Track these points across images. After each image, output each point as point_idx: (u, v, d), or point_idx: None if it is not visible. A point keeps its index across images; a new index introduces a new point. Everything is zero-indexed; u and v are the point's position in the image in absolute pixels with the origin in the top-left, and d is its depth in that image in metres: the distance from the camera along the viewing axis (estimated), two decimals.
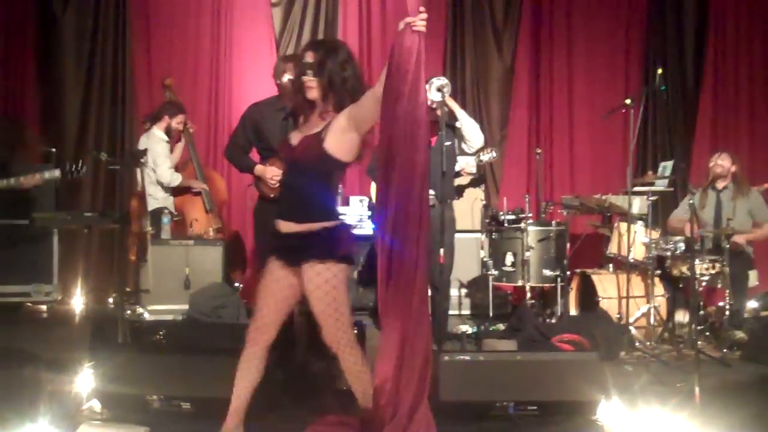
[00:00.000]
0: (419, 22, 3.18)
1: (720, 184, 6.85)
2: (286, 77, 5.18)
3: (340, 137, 3.39)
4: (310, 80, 3.42)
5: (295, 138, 3.54)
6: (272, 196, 5.16)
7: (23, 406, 3.96)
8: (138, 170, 6.06)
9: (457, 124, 5.99)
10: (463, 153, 6.22)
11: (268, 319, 3.52)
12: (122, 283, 6.04)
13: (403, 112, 3.21)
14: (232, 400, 3.54)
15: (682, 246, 6.34)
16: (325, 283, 3.40)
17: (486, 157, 6.57)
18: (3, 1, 8.49)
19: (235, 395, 3.54)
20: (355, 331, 4.82)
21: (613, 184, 7.80)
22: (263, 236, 5.09)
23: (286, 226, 3.49)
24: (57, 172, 6.17)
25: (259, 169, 5.25)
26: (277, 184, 5.06)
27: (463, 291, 7.83)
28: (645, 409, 4.21)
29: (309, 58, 3.44)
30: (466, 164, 6.52)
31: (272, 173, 5.11)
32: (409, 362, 3.40)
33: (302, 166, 3.46)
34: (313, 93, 3.44)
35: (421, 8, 3.20)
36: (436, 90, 5.36)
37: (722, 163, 6.85)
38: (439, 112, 5.38)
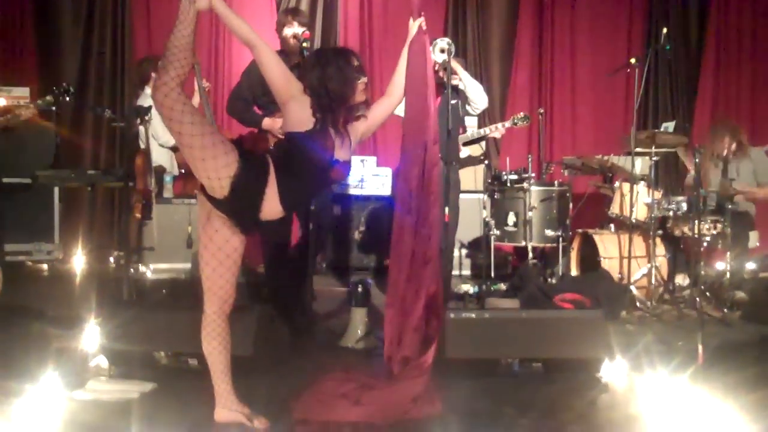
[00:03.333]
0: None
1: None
2: (289, 30, 5.15)
3: None
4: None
5: (340, 152, 3.39)
6: None
7: (31, 363, 3.98)
8: (141, 127, 6.01)
9: (460, 85, 5.95)
10: (467, 114, 6.21)
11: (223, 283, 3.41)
12: (126, 241, 6.04)
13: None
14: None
15: (684, 206, 6.34)
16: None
17: (521, 122, 6.79)
18: None
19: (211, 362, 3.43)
20: (360, 290, 4.91)
21: (614, 143, 7.78)
22: None
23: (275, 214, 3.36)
24: (49, 97, 6.11)
25: (267, 122, 5.19)
26: None
27: (464, 251, 7.85)
28: (648, 368, 4.24)
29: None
30: (496, 129, 6.58)
31: (280, 125, 5.06)
32: (413, 318, 3.45)
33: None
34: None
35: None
36: (439, 51, 5.30)
37: (722, 144, 6.75)
38: (442, 74, 5.34)
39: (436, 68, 5.51)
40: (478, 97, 5.99)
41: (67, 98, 6.11)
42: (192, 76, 7.30)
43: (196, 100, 7.32)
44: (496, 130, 6.94)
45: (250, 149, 3.53)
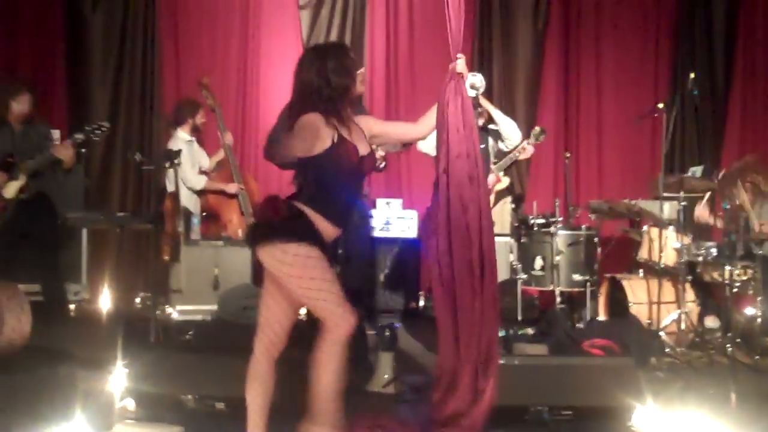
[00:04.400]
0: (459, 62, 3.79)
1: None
2: None
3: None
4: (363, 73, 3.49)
5: (361, 146, 3.49)
6: None
7: (58, 405, 3.97)
8: (171, 171, 6.07)
9: (491, 126, 5.97)
10: (501, 152, 6.23)
11: (274, 322, 3.50)
12: (154, 283, 6.06)
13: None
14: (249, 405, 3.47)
15: (714, 252, 6.28)
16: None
17: (541, 136, 7.06)
18: (31, 0, 8.56)
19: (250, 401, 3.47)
20: (388, 334, 4.89)
21: (641, 187, 7.74)
22: None
23: (335, 233, 3.46)
24: (80, 135, 6.10)
25: None
26: None
27: None
28: (680, 415, 4.17)
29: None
30: (523, 148, 6.60)
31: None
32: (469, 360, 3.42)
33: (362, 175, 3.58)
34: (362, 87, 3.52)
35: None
36: (469, 87, 5.32)
37: (736, 191, 6.53)
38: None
39: None
40: (511, 132, 6.02)
41: (99, 133, 6.15)
42: (214, 126, 7.44)
43: (221, 154, 7.43)
44: (524, 151, 6.98)
45: None
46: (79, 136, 6.10)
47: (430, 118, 3.81)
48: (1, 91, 6.06)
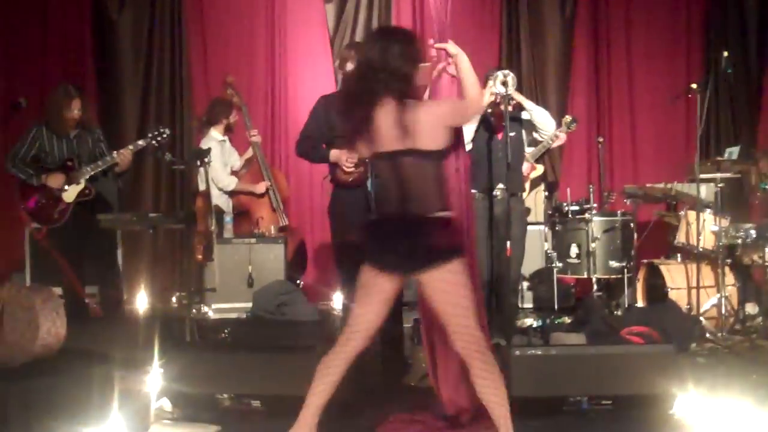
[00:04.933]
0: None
1: None
2: (350, 66, 5.15)
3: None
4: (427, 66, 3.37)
5: (389, 124, 3.27)
6: (350, 180, 5.13)
7: (95, 406, 3.99)
8: (202, 169, 6.07)
9: (524, 115, 5.92)
10: (536, 142, 6.20)
11: (366, 328, 3.34)
12: (189, 282, 6.07)
13: None
14: (309, 397, 3.35)
15: (753, 233, 6.17)
16: (454, 285, 3.25)
17: (572, 125, 7.08)
18: (59, 4, 8.63)
19: (313, 393, 3.34)
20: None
21: (676, 170, 7.62)
22: (344, 224, 5.07)
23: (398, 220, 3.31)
24: (141, 142, 6.28)
25: (335, 153, 5.13)
26: (353, 168, 5.05)
27: (525, 284, 7.73)
28: (724, 402, 4.08)
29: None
30: (555, 136, 6.57)
31: (347, 156, 5.06)
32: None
33: (423, 152, 3.28)
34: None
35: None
36: (500, 83, 5.29)
37: None
38: (502, 106, 5.32)
39: (498, 100, 5.50)
40: (545, 122, 5.96)
41: (161, 140, 6.27)
42: (242, 124, 7.44)
43: (250, 152, 7.43)
44: (558, 139, 6.93)
45: None
46: (141, 143, 6.27)
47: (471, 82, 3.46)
48: (55, 99, 6.20)
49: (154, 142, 6.23)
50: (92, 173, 6.10)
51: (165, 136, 6.26)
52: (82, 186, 6.06)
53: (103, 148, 6.31)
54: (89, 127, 6.38)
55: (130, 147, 6.22)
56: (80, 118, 6.22)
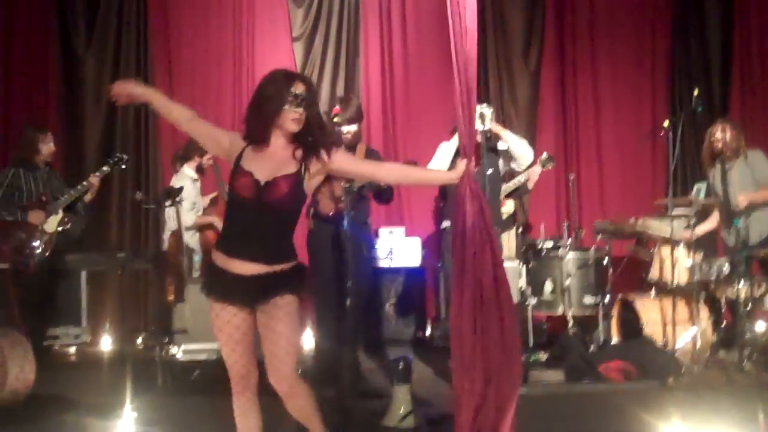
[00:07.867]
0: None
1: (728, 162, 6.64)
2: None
3: (315, 179, 3.36)
4: (297, 112, 3.23)
5: (260, 173, 3.24)
6: (330, 213, 5.18)
7: None
8: (172, 208, 5.96)
9: (500, 145, 5.92)
10: (513, 172, 6.19)
11: (247, 365, 3.40)
12: (158, 323, 5.93)
13: None
14: None
15: (725, 269, 6.19)
16: (294, 313, 3.32)
17: (548, 163, 7.16)
18: (25, 38, 8.53)
19: None
20: (401, 366, 4.76)
21: (643, 206, 7.65)
22: (322, 256, 5.16)
23: (252, 268, 3.25)
24: (106, 167, 6.61)
25: None
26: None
27: None
28: None
29: (298, 89, 3.24)
30: (531, 174, 6.58)
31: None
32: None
33: (278, 207, 3.24)
34: (295, 126, 3.25)
35: None
36: (477, 118, 5.27)
37: (720, 136, 6.62)
38: (479, 139, 5.29)
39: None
40: (523, 152, 5.97)
41: (123, 167, 6.70)
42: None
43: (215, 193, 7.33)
44: (533, 175, 6.98)
45: None
46: (106, 169, 6.59)
47: (399, 172, 3.87)
48: (30, 136, 6.57)
49: (116, 166, 6.59)
50: (68, 203, 6.39)
51: (125, 160, 6.62)
52: (60, 215, 6.35)
53: (63, 183, 6.67)
54: (51, 166, 6.69)
55: (97, 173, 6.53)
56: (50, 153, 6.57)
